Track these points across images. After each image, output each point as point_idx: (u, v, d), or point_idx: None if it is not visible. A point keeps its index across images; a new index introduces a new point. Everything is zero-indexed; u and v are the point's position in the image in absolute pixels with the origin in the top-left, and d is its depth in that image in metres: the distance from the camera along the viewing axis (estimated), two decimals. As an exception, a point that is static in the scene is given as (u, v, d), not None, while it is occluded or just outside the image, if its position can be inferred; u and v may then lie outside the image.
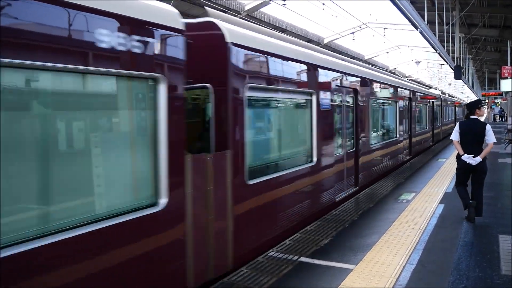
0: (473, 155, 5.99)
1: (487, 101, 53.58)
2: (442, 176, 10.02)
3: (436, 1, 14.79)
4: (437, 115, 21.19)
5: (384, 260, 4.66)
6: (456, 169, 6.41)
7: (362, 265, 4.55)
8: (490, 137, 6.08)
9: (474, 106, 6.29)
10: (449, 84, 54.37)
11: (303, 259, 4.80)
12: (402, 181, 9.76)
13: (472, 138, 6.07)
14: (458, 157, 6.21)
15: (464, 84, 35.95)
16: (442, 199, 7.62)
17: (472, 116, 6.24)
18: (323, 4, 19.17)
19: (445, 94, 36.14)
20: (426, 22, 12.52)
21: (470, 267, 4.44)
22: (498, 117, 49.36)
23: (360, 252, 4.97)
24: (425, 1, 13.93)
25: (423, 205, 7.28)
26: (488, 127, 6.12)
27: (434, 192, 8.36)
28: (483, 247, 5.09)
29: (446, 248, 5.07)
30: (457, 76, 18.28)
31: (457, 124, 6.35)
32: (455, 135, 6.25)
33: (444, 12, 16.14)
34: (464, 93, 68.74)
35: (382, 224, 6.15)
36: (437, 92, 24.99)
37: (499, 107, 51.27)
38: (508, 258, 4.66)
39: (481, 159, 5.97)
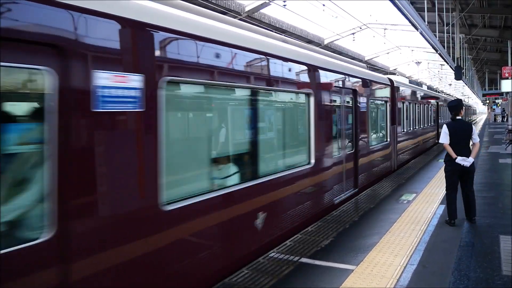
0: (466, 157, 5.95)
1: (487, 101, 53.60)
2: (443, 177, 9.99)
3: (436, 2, 14.79)
4: (383, 122, 11.22)
5: (385, 261, 4.66)
6: (447, 171, 6.18)
7: (363, 265, 4.55)
8: (476, 136, 6.16)
9: (459, 107, 6.21)
10: (450, 84, 54.38)
11: (304, 260, 4.80)
12: (403, 182, 9.75)
13: (462, 139, 6.03)
14: (448, 159, 6.10)
15: (465, 85, 35.93)
16: (443, 200, 7.61)
17: (458, 117, 6.19)
18: (323, 5, 19.18)
19: (422, 86, 23.20)
20: (426, 22, 12.52)
21: (470, 267, 4.44)
22: (501, 117, 49.32)
23: (361, 252, 4.97)
24: (425, 2, 13.94)
25: (424, 205, 7.28)
26: (473, 127, 6.20)
27: (435, 192, 8.35)
28: (484, 247, 5.09)
29: (447, 248, 5.07)
30: (458, 76, 18.26)
31: (444, 126, 6.18)
32: (445, 138, 6.09)
33: (444, 13, 16.14)
34: (465, 93, 68.69)
35: (383, 225, 6.15)
36: (383, 77, 11.44)
37: (499, 107, 51.26)
38: (509, 258, 4.66)
39: (473, 160, 6.00)
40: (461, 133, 6.05)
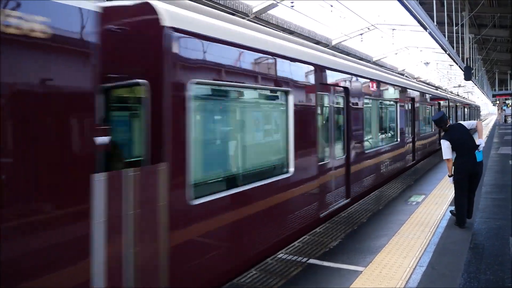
0: (473, 157, 5.90)
1: (497, 102, 53.04)
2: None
3: (445, 2, 14.68)
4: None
5: (394, 263, 4.64)
6: (457, 178, 5.99)
7: (371, 267, 4.54)
8: (471, 125, 6.17)
9: (444, 118, 6.21)
10: (459, 85, 53.84)
11: (312, 261, 4.80)
12: (412, 183, 9.70)
13: (465, 139, 5.99)
14: (456, 165, 6.00)
15: (475, 85, 35.60)
16: (453, 201, 7.54)
17: (449, 125, 6.19)
18: (331, 5, 19.13)
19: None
20: (435, 22, 12.41)
21: (481, 270, 4.41)
22: (511, 118, 48.78)
23: (369, 254, 4.96)
24: (434, 2, 13.83)
25: (433, 207, 7.23)
26: (463, 122, 6.23)
27: (444, 194, 8.29)
28: (494, 249, 5.05)
29: (457, 250, 5.04)
30: (467, 77, 18.06)
31: (442, 141, 6.05)
32: (447, 153, 6.00)
33: (454, 13, 15.98)
34: (475, 94, 67.95)
35: (391, 226, 6.12)
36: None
37: (510, 108, 50.65)
38: (519, 261, 4.61)
39: (483, 142, 6.07)
40: (462, 135, 6.02)
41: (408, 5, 9.05)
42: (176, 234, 3.57)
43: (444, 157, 6.11)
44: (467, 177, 5.98)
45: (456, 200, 6.14)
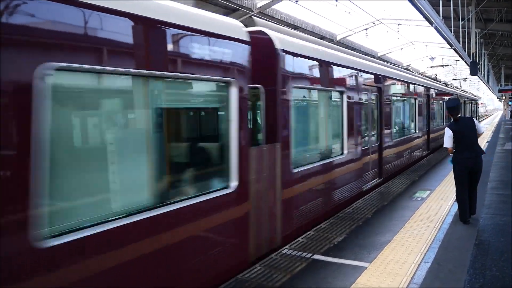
0: (474, 154, 5.87)
1: (503, 97, 52.65)
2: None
3: (451, -4, 14.53)
4: None
5: (399, 259, 4.63)
6: (457, 170, 5.97)
7: (376, 263, 4.53)
8: (481, 128, 6.14)
9: (459, 107, 6.09)
10: (465, 80, 53.40)
11: (316, 256, 4.80)
12: (416, 179, 9.66)
13: (470, 135, 5.92)
14: (456, 160, 5.96)
15: (480, 80, 35.31)
16: (458, 197, 7.52)
17: (459, 115, 6.05)
18: (336, 0, 19.03)
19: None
20: (441, 17, 12.31)
21: (486, 266, 4.39)
22: None
23: (374, 250, 4.95)
24: (440, -4, 13.69)
25: (438, 203, 7.20)
26: (475, 120, 6.17)
27: (449, 190, 8.25)
28: (500, 245, 5.02)
29: (462, 246, 5.02)
30: (473, 72, 17.90)
31: (447, 129, 5.98)
32: (448, 142, 5.95)
33: (460, 7, 15.82)
34: (480, 89, 67.39)
35: (396, 222, 6.10)
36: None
37: None
38: (526, 257, 4.58)
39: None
40: (467, 130, 5.95)
41: (414, -1, 8.97)
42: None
43: (444, 145, 6.11)
44: (467, 174, 5.95)
45: (457, 196, 6.13)
